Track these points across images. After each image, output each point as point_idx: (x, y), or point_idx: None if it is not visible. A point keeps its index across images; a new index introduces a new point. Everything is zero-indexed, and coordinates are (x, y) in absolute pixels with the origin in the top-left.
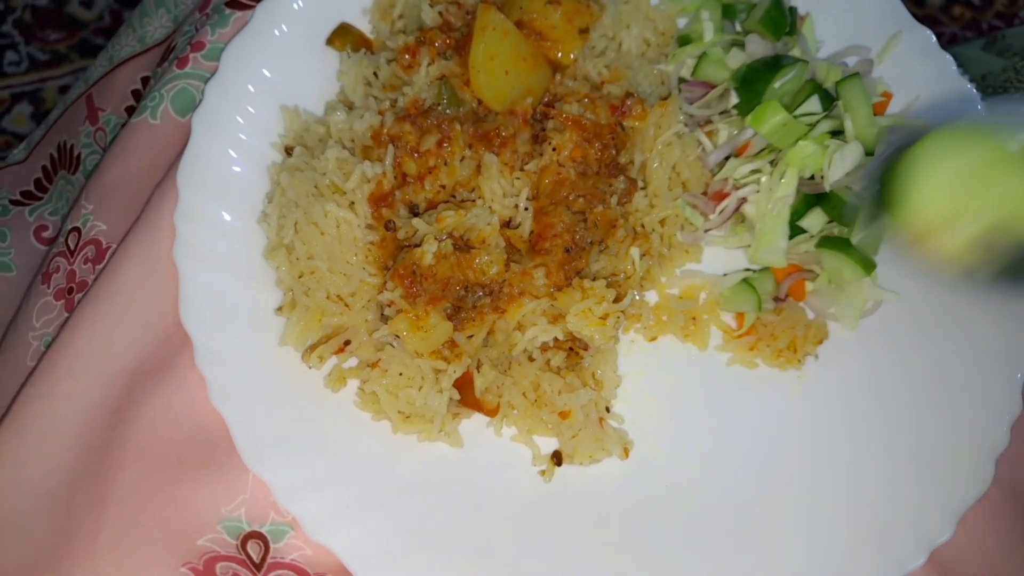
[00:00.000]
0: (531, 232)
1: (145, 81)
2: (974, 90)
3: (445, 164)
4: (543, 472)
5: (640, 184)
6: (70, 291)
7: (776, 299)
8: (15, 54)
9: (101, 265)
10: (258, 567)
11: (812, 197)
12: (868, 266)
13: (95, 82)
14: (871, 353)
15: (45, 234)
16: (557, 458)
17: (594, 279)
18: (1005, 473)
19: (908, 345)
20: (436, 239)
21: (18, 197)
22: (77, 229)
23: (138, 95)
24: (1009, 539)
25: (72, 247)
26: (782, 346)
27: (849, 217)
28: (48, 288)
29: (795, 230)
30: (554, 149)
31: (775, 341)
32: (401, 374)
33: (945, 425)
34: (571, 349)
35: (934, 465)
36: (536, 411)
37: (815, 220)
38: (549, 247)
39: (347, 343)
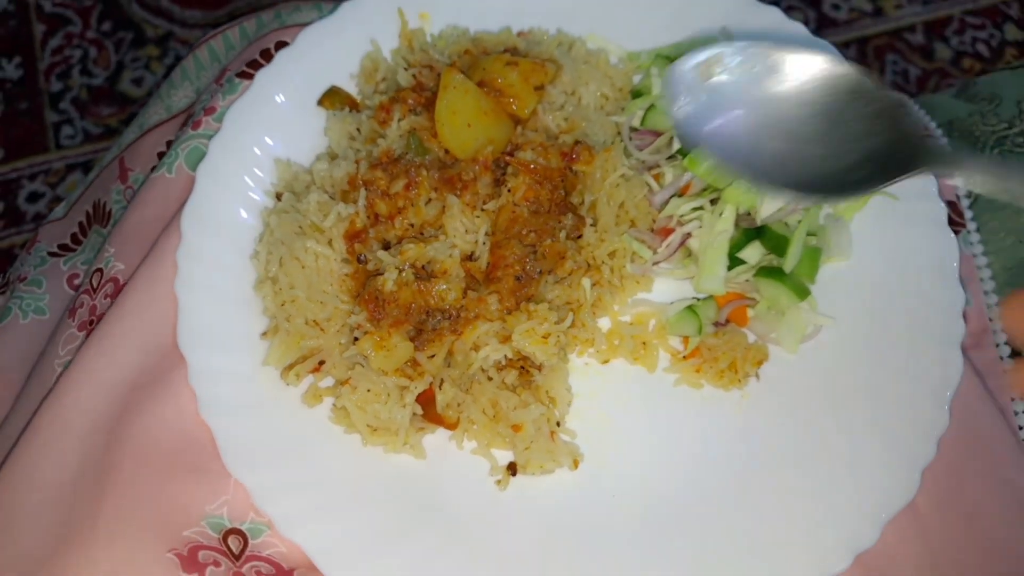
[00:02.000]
0: (487, 264)
1: (169, 144)
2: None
3: (412, 205)
4: (499, 482)
5: (590, 221)
6: (91, 323)
7: (717, 324)
8: (71, 128)
9: None
10: (237, 557)
11: (751, 231)
12: (802, 293)
13: (127, 147)
14: (810, 374)
15: (76, 281)
16: (512, 469)
17: (547, 305)
18: (931, 486)
19: (845, 366)
20: (398, 269)
21: (55, 249)
22: (100, 270)
23: (163, 156)
24: (938, 547)
25: (95, 285)
26: (723, 367)
27: (783, 249)
28: (73, 322)
29: (736, 261)
30: (509, 191)
31: (717, 363)
32: (369, 390)
33: (877, 439)
34: (522, 368)
35: (864, 476)
36: (493, 425)
37: (753, 252)
38: (501, 275)
39: (322, 363)
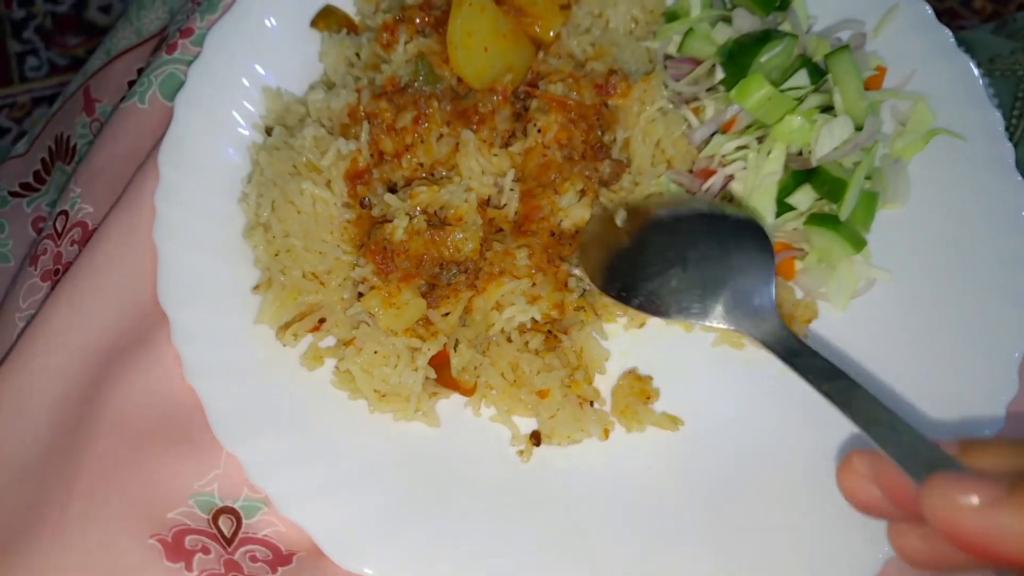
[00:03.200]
0: (516, 213)
1: (141, 72)
2: (973, 65)
3: (422, 142)
4: (521, 452)
5: (624, 162)
6: (56, 272)
7: None
8: (36, 59)
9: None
10: (229, 541)
11: (801, 174)
12: (858, 243)
13: (92, 74)
14: (861, 334)
15: (42, 224)
16: (536, 438)
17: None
18: None
19: (899, 325)
20: (408, 215)
21: (17, 189)
22: (65, 212)
23: (133, 85)
24: None
25: (59, 230)
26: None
27: (838, 193)
28: (35, 270)
29: (784, 207)
30: (539, 131)
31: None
32: (376, 352)
33: (937, 408)
34: (549, 332)
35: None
36: (515, 391)
37: (804, 197)
38: (535, 229)
39: (322, 321)
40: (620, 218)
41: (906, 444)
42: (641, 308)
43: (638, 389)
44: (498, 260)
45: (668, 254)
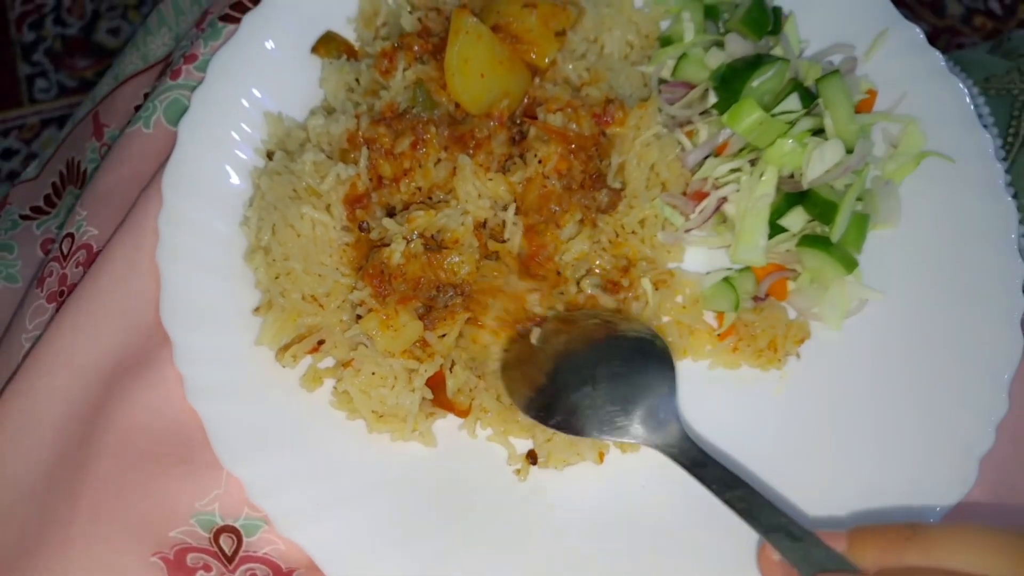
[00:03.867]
0: (520, 248)
1: (146, 96)
2: (963, 87)
3: (420, 166)
4: (519, 471)
5: (618, 185)
6: (61, 294)
7: (756, 298)
8: (45, 81)
9: None
10: (230, 559)
11: (793, 196)
12: (850, 264)
13: (101, 100)
14: (855, 353)
15: (50, 246)
16: (532, 457)
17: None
18: (989, 475)
19: (892, 344)
20: (405, 239)
21: (28, 212)
22: (71, 235)
23: (139, 110)
24: None
25: (65, 252)
26: (762, 345)
27: (830, 215)
28: (42, 292)
29: (776, 229)
30: (539, 161)
31: (755, 341)
32: (374, 373)
33: (928, 425)
34: None
35: (916, 466)
36: (510, 414)
37: (796, 219)
38: (544, 273)
39: (321, 342)
40: (535, 337)
41: (800, 548)
42: (558, 427)
43: None
44: (511, 307)
45: (581, 373)
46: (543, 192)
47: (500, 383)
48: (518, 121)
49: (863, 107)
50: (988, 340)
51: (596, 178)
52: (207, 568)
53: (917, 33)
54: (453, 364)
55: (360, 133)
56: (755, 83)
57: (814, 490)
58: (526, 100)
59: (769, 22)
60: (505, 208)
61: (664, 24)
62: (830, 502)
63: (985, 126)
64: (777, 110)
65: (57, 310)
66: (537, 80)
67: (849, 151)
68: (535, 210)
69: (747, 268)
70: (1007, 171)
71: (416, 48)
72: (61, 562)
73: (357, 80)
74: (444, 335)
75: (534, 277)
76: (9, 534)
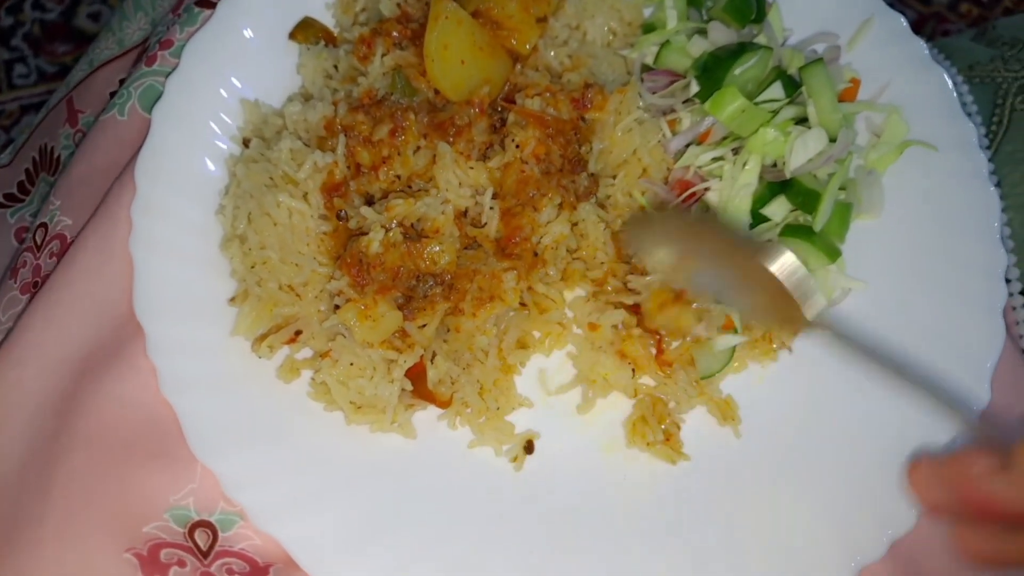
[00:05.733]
0: (497, 232)
1: (122, 82)
2: (947, 77)
3: (399, 154)
4: (515, 459)
5: (595, 170)
6: (35, 285)
7: None
8: (24, 67)
9: None
10: (205, 555)
11: (776, 185)
12: (832, 254)
13: (75, 85)
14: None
15: (24, 235)
16: (529, 447)
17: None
18: None
19: (875, 334)
20: (384, 227)
21: (1, 200)
22: (44, 225)
23: (114, 96)
24: None
25: (39, 242)
26: (757, 336)
27: (813, 204)
28: (15, 283)
29: (759, 218)
30: (517, 146)
31: (750, 332)
32: (352, 364)
33: (912, 416)
34: None
35: (899, 457)
36: (491, 407)
37: (779, 208)
38: (519, 252)
39: (298, 333)
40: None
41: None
42: None
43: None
44: (486, 284)
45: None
46: (521, 177)
47: (487, 375)
48: (499, 108)
49: (846, 96)
50: (971, 329)
51: (575, 162)
52: (181, 564)
53: (901, 22)
54: (435, 355)
55: (338, 120)
56: (738, 71)
57: (798, 482)
58: (507, 87)
59: (752, 10)
60: (483, 193)
61: (647, 11)
62: (812, 494)
63: (969, 115)
64: (760, 98)
65: (30, 300)
66: (518, 67)
67: (832, 140)
68: (513, 194)
69: None
70: (990, 160)
71: (395, 34)
72: (33, 559)
73: (335, 66)
74: (424, 325)
75: (510, 257)
76: None
